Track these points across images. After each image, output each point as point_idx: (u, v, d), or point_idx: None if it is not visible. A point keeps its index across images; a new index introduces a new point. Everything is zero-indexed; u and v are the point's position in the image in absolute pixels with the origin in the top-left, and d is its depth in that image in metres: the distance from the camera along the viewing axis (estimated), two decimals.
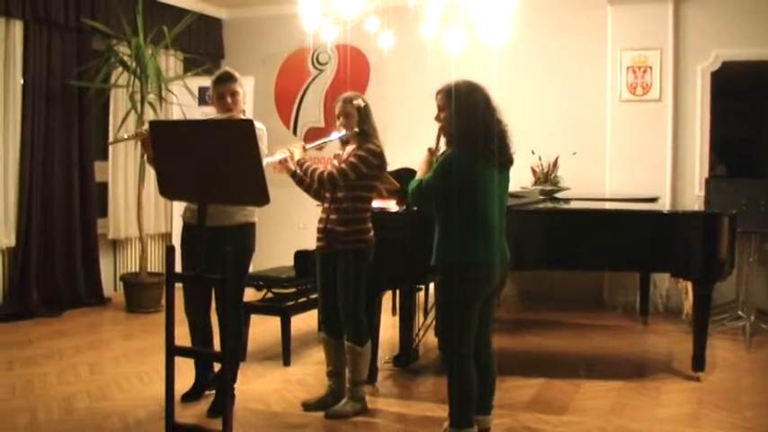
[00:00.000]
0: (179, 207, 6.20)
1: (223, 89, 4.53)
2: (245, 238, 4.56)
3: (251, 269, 4.94)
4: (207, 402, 4.61)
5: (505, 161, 3.90)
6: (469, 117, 3.76)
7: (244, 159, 3.40)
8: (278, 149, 4.56)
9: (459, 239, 3.78)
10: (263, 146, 4.45)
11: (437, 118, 3.92)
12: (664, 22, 7.61)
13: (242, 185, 3.52)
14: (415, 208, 4.79)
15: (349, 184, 4.44)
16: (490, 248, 3.83)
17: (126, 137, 5.06)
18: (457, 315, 3.80)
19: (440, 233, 3.88)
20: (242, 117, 4.51)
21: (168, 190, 3.84)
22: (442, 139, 3.95)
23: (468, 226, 3.76)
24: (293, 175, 4.55)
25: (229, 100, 4.52)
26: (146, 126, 4.46)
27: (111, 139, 7.80)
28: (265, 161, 4.35)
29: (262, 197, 3.47)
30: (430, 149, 4.00)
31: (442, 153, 3.91)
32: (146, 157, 4.93)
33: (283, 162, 4.50)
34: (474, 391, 3.85)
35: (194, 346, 4.62)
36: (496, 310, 7.49)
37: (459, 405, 3.83)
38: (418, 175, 3.96)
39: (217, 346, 4.54)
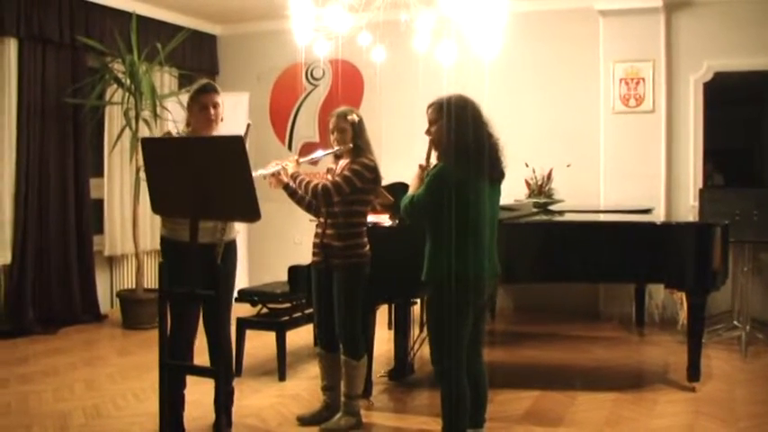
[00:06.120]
0: None
1: (207, 99, 4.29)
2: (227, 254, 4.39)
3: (246, 284, 4.91)
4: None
5: (497, 175, 3.92)
6: (461, 131, 3.77)
7: (234, 176, 3.40)
8: (272, 164, 4.55)
9: (450, 253, 3.77)
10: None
11: (428, 132, 3.94)
12: (656, 33, 7.65)
13: (233, 202, 3.52)
14: (408, 223, 4.78)
15: (343, 199, 4.45)
16: (481, 261, 3.83)
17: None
18: (448, 328, 3.79)
19: (431, 247, 3.88)
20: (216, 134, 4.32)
21: (160, 206, 3.84)
22: (434, 154, 3.96)
23: (458, 239, 3.75)
24: (286, 187, 4.53)
25: (212, 111, 4.29)
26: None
27: None
28: (258, 173, 4.31)
29: (253, 213, 3.47)
30: (421, 166, 4.01)
31: (434, 167, 3.90)
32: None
33: (276, 175, 4.50)
34: (466, 403, 3.85)
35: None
36: (491, 322, 7.54)
37: (451, 418, 3.84)
38: (410, 191, 3.97)
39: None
